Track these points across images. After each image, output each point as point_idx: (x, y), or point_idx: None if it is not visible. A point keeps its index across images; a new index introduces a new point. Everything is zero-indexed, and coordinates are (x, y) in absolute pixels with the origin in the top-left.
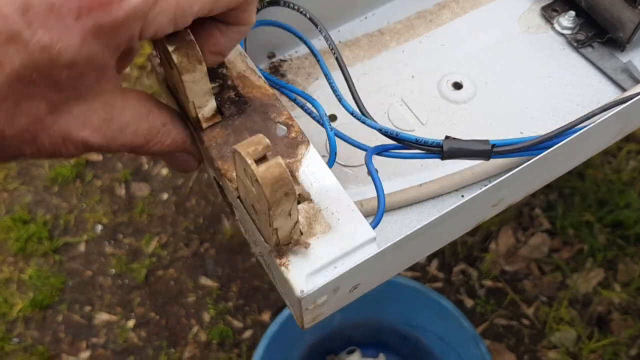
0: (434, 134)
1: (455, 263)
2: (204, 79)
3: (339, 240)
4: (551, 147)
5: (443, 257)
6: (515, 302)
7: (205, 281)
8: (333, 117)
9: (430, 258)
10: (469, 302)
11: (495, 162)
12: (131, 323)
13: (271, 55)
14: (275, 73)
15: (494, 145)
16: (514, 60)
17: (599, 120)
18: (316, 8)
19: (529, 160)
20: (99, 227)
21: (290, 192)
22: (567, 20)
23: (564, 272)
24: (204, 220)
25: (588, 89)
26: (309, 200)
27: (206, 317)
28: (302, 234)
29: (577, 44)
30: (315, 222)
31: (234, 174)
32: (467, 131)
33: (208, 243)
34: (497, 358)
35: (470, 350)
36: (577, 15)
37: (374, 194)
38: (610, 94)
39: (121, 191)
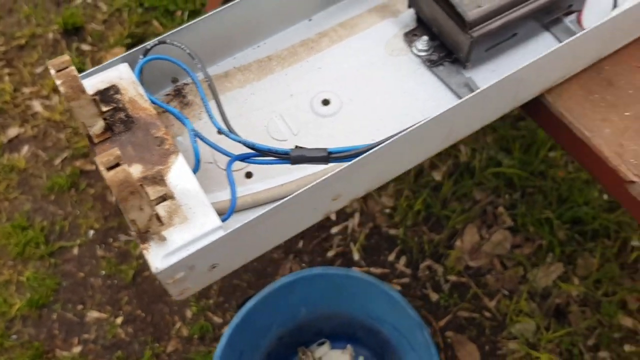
0: (304, 143)
1: (422, 260)
2: (89, 104)
3: (192, 228)
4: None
5: (411, 254)
6: (478, 295)
7: None
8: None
9: (398, 255)
10: (434, 296)
11: (340, 166)
12: (119, 320)
13: (175, 80)
14: (178, 95)
15: (330, 153)
16: (376, 79)
17: (407, 132)
18: (213, 41)
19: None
20: (91, 232)
21: (135, 191)
22: (422, 43)
23: (525, 267)
24: None
25: (435, 101)
26: (172, 198)
27: (188, 313)
28: (163, 224)
29: (430, 64)
30: (175, 215)
31: None
32: (330, 141)
33: None
34: (459, 348)
35: (417, 337)
36: (431, 39)
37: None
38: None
39: (112, 198)
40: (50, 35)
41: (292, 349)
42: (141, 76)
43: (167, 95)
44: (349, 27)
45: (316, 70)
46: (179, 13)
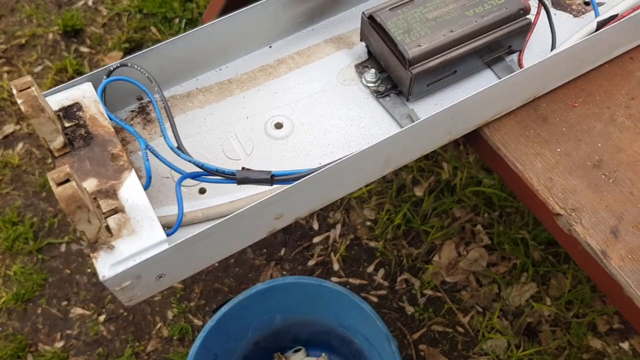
0: (255, 163)
1: (400, 273)
2: (48, 122)
3: (138, 240)
4: None
5: (389, 267)
6: (452, 310)
7: None
8: None
9: (377, 268)
10: (409, 309)
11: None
12: (102, 318)
13: (140, 98)
14: (142, 112)
15: (273, 175)
16: (327, 106)
17: (346, 158)
18: (177, 63)
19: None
20: None
21: (83, 205)
22: (371, 75)
23: (500, 285)
24: None
25: (379, 129)
26: (122, 211)
27: (169, 315)
28: (112, 235)
29: (377, 95)
30: (124, 227)
31: None
32: (280, 162)
33: None
34: None
35: (385, 349)
36: (379, 71)
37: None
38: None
39: None
40: (50, 36)
41: (268, 354)
42: (104, 95)
43: (132, 111)
44: (305, 56)
45: (272, 94)
46: (176, 21)
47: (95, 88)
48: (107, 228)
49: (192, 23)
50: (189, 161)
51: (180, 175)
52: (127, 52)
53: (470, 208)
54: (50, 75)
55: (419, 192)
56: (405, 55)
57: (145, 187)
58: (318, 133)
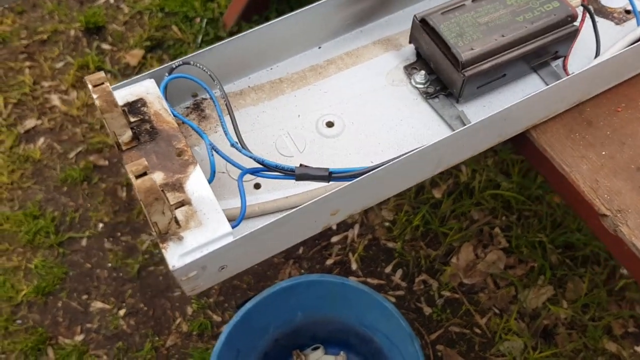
0: (308, 161)
1: (418, 274)
2: (120, 116)
3: (205, 232)
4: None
5: (407, 267)
6: (469, 312)
7: None
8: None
9: (395, 268)
10: (427, 310)
11: (339, 185)
12: (122, 312)
13: (195, 95)
14: (197, 108)
15: (331, 173)
16: (376, 106)
17: (402, 158)
18: (230, 63)
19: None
20: (100, 225)
21: (159, 197)
22: (420, 77)
23: (517, 287)
24: None
25: (429, 130)
26: (189, 204)
27: (189, 310)
28: (180, 227)
29: (427, 96)
30: (191, 219)
31: None
32: (332, 160)
33: None
34: None
35: (408, 348)
36: (428, 73)
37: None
38: (445, 135)
39: (122, 194)
40: (72, 33)
41: (287, 351)
42: (165, 91)
43: (187, 108)
44: (354, 57)
45: (322, 93)
46: (197, 20)
47: (158, 85)
48: (175, 220)
49: (213, 22)
50: (250, 157)
51: (240, 171)
52: (148, 50)
53: (489, 211)
54: (72, 71)
55: (437, 194)
56: (458, 58)
57: (209, 182)
58: (368, 132)
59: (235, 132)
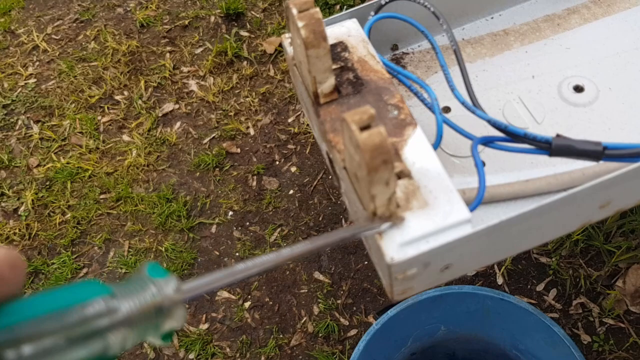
0: (549, 134)
1: (576, 296)
2: (327, 56)
3: (433, 216)
4: None
5: (563, 288)
6: (638, 345)
7: (318, 276)
8: (446, 109)
9: (548, 287)
10: (586, 339)
11: (608, 166)
12: (247, 304)
13: (394, 47)
14: (396, 64)
15: (605, 148)
16: None
17: None
18: (442, 5)
19: None
20: (230, 213)
21: (389, 160)
22: None
23: None
24: (324, 219)
25: None
26: (409, 177)
27: (315, 310)
28: (399, 206)
29: None
30: (413, 197)
31: (343, 147)
32: (584, 134)
33: None
34: None
35: None
36: None
37: (477, 184)
38: None
39: (253, 183)
40: (212, 19)
41: None
42: (369, 36)
43: None
44: (605, 5)
45: (564, 50)
46: (337, 7)
47: (361, 26)
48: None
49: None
50: (489, 121)
51: (472, 140)
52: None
53: None
54: (210, 57)
55: None
56: None
57: (435, 147)
58: (633, 101)
59: (467, 88)
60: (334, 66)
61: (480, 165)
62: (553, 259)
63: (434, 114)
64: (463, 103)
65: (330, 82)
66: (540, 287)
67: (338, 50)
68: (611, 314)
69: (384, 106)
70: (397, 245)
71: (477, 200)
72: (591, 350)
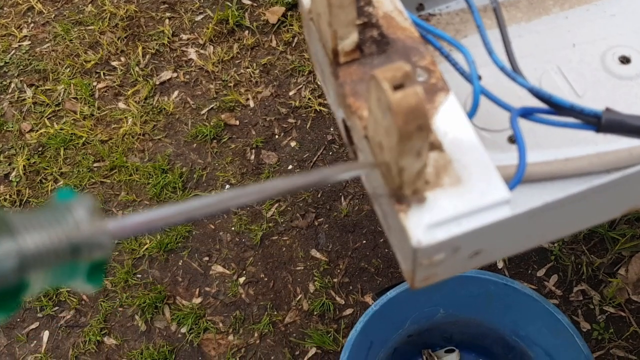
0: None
1: (577, 283)
2: (351, 5)
3: (468, 195)
4: None
5: (564, 274)
6: (638, 334)
7: (315, 253)
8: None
9: (549, 273)
10: (585, 326)
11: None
12: (242, 280)
13: (420, 8)
14: None
15: None
16: None
17: None
18: None
19: None
20: (227, 187)
21: (424, 126)
22: None
23: None
24: (322, 196)
25: None
26: (440, 149)
27: (311, 287)
28: (427, 183)
29: None
30: (444, 173)
31: (365, 113)
32: (630, 109)
33: (323, 218)
34: None
35: None
36: None
37: (511, 161)
38: None
39: (251, 156)
40: None
41: (417, 349)
42: None
43: None
44: None
45: (609, 17)
46: None
47: None
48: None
49: None
50: (531, 90)
51: (506, 115)
52: (289, 7)
53: None
54: (211, 25)
55: None
56: None
57: (469, 117)
58: None
59: (507, 52)
60: (357, 21)
61: (520, 139)
62: (555, 245)
63: (467, 80)
64: (502, 68)
65: (352, 39)
66: (541, 273)
67: (361, 4)
68: (612, 302)
69: (412, 68)
70: (424, 227)
71: (516, 179)
72: (590, 338)
